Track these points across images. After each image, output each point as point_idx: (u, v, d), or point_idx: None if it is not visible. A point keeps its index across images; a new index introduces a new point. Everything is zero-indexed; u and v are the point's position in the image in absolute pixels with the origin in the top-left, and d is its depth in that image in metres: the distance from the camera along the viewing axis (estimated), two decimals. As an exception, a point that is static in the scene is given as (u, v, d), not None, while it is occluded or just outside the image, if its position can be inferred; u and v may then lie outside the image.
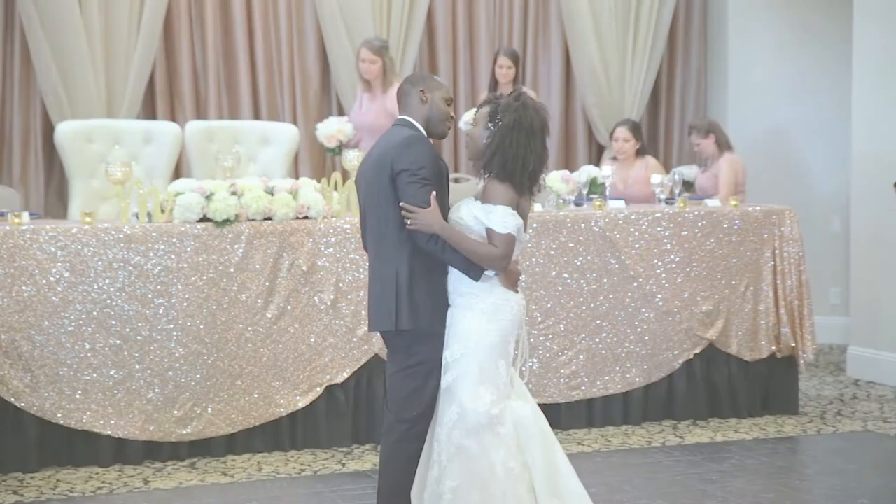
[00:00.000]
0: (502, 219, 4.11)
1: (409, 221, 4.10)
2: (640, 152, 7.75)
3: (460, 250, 4.11)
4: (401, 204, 4.11)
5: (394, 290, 4.15)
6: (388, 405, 4.29)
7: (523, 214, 4.21)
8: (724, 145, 7.82)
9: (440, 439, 4.15)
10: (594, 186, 7.10)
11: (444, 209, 4.21)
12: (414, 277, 4.15)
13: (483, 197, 4.19)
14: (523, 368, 4.36)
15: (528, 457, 4.12)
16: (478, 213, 4.16)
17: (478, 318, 4.16)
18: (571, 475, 4.21)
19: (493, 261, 4.12)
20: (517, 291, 4.24)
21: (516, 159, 4.13)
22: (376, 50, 7.57)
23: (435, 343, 4.21)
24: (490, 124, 4.17)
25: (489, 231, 4.13)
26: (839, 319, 8.77)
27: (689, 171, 7.94)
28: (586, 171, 7.03)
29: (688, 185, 7.74)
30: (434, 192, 4.12)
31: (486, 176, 4.22)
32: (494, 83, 8.00)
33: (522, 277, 6.14)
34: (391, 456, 4.25)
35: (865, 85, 7.79)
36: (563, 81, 9.08)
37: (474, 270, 4.14)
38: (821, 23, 9.02)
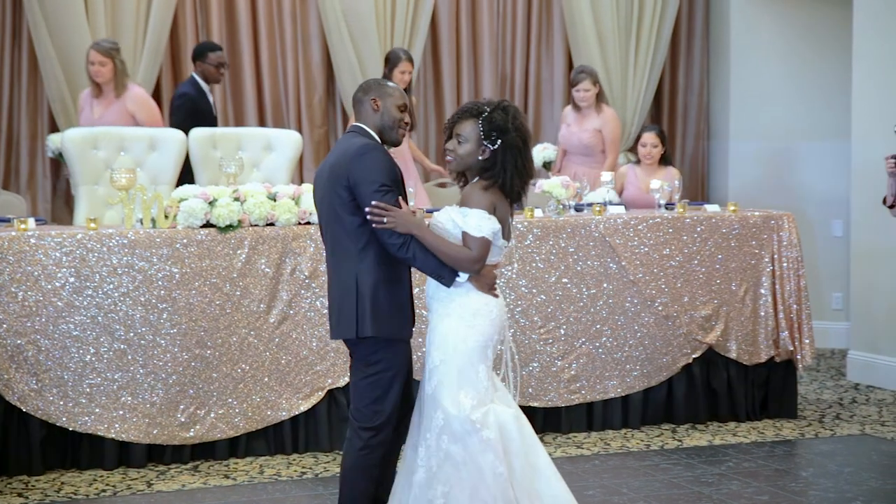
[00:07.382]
0: (477, 222, 4.16)
1: (384, 220, 4.09)
2: (663, 161, 7.60)
3: (434, 252, 4.14)
4: (372, 203, 4.09)
5: (354, 297, 4.18)
6: (351, 413, 4.31)
7: (503, 219, 4.25)
8: (602, 98, 7.96)
9: (429, 444, 4.17)
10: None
11: None
12: (375, 285, 4.17)
13: (461, 201, 4.26)
14: (513, 373, 4.39)
15: (508, 460, 4.14)
16: (455, 217, 4.22)
17: (455, 322, 4.19)
18: (554, 479, 4.22)
19: (467, 263, 4.16)
20: (495, 295, 4.26)
21: (530, 170, 4.27)
22: (105, 51, 7.39)
23: (396, 350, 4.25)
24: (487, 142, 4.19)
25: (464, 234, 4.18)
26: (842, 324, 8.80)
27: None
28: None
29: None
30: (399, 198, 4.17)
31: (471, 183, 4.27)
32: None
33: (522, 282, 6.24)
34: (355, 464, 4.27)
35: (865, 90, 7.83)
36: (565, 86, 9.13)
37: (446, 277, 4.17)
38: (823, 27, 9.06)
